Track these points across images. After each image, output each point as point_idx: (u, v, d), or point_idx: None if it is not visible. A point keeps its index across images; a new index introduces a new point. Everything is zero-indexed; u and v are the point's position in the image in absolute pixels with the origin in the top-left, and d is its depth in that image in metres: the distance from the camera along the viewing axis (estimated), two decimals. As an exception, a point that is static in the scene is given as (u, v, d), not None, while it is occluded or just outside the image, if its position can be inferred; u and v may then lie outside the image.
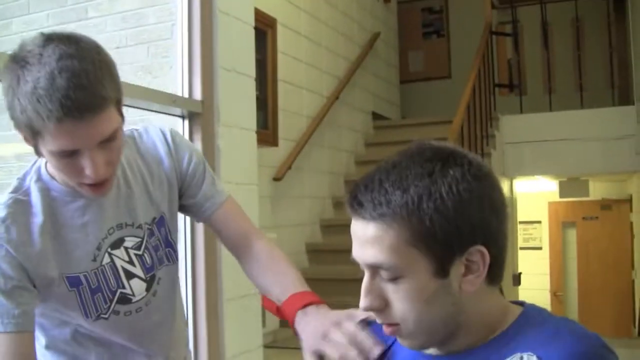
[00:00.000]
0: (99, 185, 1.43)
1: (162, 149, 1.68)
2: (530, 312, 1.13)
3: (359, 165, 7.45)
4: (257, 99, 3.36)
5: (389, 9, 9.01)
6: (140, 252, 1.62)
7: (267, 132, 5.00)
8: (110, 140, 1.38)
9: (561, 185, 9.68)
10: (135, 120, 3.69)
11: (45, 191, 1.50)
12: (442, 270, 1.06)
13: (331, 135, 6.75)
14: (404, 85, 9.35)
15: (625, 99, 8.15)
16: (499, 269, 1.11)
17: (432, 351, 1.16)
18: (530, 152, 7.86)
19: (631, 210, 9.66)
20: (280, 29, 5.54)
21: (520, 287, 8.64)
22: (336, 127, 6.90)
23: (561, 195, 9.83)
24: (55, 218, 1.50)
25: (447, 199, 1.04)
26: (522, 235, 10.45)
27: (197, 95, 2.95)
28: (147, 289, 1.64)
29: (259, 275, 1.66)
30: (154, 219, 1.65)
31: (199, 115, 2.96)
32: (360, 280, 1.12)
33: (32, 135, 1.33)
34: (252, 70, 3.27)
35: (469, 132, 6.32)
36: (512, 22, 8.56)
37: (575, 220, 10.74)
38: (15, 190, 1.50)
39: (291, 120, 5.87)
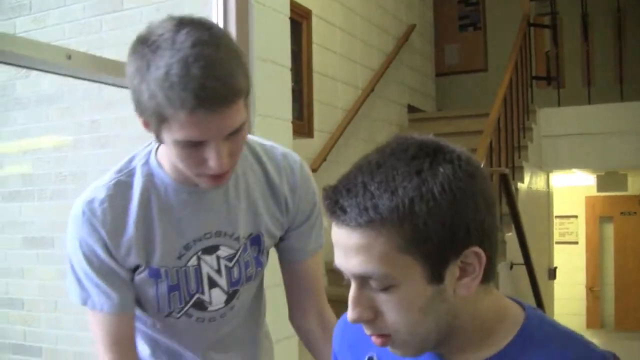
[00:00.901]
0: (219, 176, 1.37)
1: (298, 178, 1.63)
2: (531, 325, 1.07)
3: (394, 158, 7.42)
4: (292, 90, 3.36)
5: (425, 2, 8.96)
6: (231, 265, 1.58)
7: (302, 123, 5.00)
8: (236, 133, 1.32)
9: (599, 179, 9.57)
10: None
11: (149, 177, 1.48)
12: (437, 275, 0.97)
13: (366, 127, 6.73)
14: (440, 78, 9.29)
15: (665, 92, 8.02)
16: (492, 266, 1.03)
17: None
18: (567, 145, 7.78)
19: (670, 205, 9.52)
20: (315, 21, 5.54)
21: (555, 281, 8.56)
22: (371, 119, 6.88)
23: (599, 189, 9.72)
24: (151, 206, 1.48)
25: (441, 199, 0.94)
26: (558, 229, 10.34)
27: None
28: (226, 302, 1.61)
29: (322, 341, 1.69)
30: (250, 234, 1.59)
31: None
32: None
33: (158, 122, 1.28)
34: (287, 61, 3.26)
35: (505, 125, 6.27)
36: (551, 13, 8.45)
37: (613, 215, 10.61)
38: (120, 170, 1.50)
39: (326, 112, 5.86)
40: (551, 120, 7.80)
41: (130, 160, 1.51)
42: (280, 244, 1.70)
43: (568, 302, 9.97)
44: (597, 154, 7.73)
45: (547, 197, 8.52)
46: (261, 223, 1.60)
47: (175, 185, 1.48)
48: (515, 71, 6.85)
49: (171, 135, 1.28)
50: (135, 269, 1.50)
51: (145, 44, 1.27)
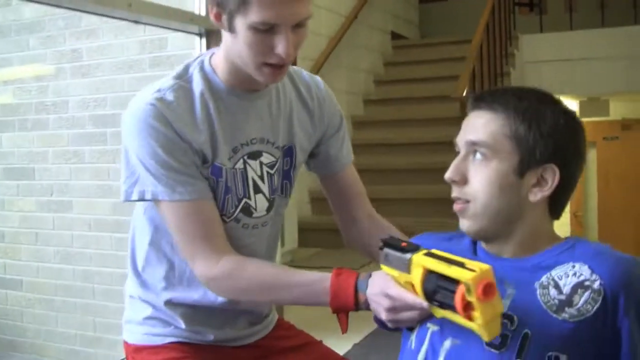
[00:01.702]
0: (280, 68, 1.47)
1: (324, 93, 1.74)
2: (575, 237, 1.33)
3: (377, 85, 7.44)
4: (274, 16, 3.35)
5: None
6: (272, 172, 1.64)
7: (285, 51, 4.99)
8: (302, 26, 1.43)
9: (581, 105, 9.61)
10: (153, 39, 3.72)
11: (206, 81, 1.54)
12: (521, 170, 1.26)
13: (349, 55, 6.72)
14: (423, 4, 9.24)
15: (647, 18, 8.03)
16: (560, 203, 1.32)
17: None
18: (550, 71, 7.79)
19: (652, 130, 9.60)
20: (297, -53, 5.46)
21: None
22: (354, 46, 6.87)
23: (581, 115, 9.62)
24: (210, 107, 1.54)
25: (549, 119, 1.26)
26: (541, 155, 10.42)
27: (215, 12, 2.95)
28: (268, 210, 1.65)
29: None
30: (284, 146, 1.66)
31: (217, 33, 2.95)
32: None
33: (238, 5, 1.37)
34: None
35: (487, 52, 6.27)
36: (534, -62, 8.39)
37: (596, 140, 10.67)
38: (179, 77, 1.54)
39: (309, 40, 5.71)
40: (534, 46, 7.80)
41: (187, 68, 1.56)
42: (317, 159, 1.77)
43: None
44: (579, 80, 7.76)
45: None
46: (295, 135, 1.67)
47: (228, 89, 1.55)
48: (498, -3, 6.84)
49: (247, 19, 1.38)
50: (201, 167, 1.54)
51: None
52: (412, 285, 1.23)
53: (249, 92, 1.57)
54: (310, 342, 1.80)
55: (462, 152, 1.31)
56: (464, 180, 1.29)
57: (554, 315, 1.21)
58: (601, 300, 1.19)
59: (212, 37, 2.98)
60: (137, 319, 1.67)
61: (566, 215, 10.67)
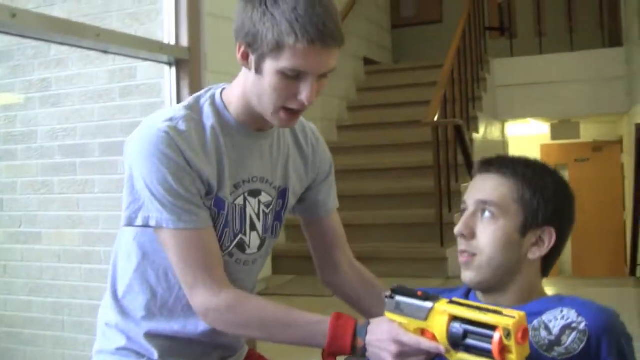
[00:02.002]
0: (296, 114, 1.52)
1: (318, 139, 1.79)
2: (561, 293, 1.48)
3: (351, 111, 7.45)
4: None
5: (379, -47, 8.91)
6: (267, 211, 1.67)
7: (256, 79, 4.98)
8: (326, 76, 1.49)
9: (553, 127, 9.70)
10: (123, 68, 3.69)
11: (217, 115, 1.56)
12: (523, 229, 1.40)
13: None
14: (396, 29, 9.29)
15: (615, 41, 8.13)
16: (551, 263, 1.47)
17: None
18: (521, 95, 7.87)
19: (622, 151, 9.69)
20: (268, -26, 5.47)
21: (512, 229, 8.70)
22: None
23: (553, 137, 9.85)
24: (220, 141, 1.55)
25: (551, 187, 1.43)
26: (514, 178, 10.48)
27: (184, 42, 2.94)
28: (259, 248, 1.68)
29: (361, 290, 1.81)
30: (280, 187, 1.69)
31: (186, 62, 2.95)
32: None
33: (271, 49, 1.41)
34: (239, 16, 3.25)
35: (459, 76, 6.31)
36: (503, -36, 8.48)
37: (567, 162, 10.77)
38: (190, 107, 1.55)
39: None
40: (505, 70, 7.88)
41: (198, 99, 1.58)
42: (304, 203, 1.80)
43: (525, 249, 10.12)
44: (550, 103, 7.84)
45: (502, 147, 8.64)
46: (290, 178, 1.70)
47: (237, 125, 1.57)
48: (469, 22, 6.88)
49: (278, 63, 1.42)
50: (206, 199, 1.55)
51: None
52: (422, 331, 1.34)
53: (256, 130, 1.60)
54: None
55: (471, 209, 1.43)
56: (472, 235, 1.42)
57: (545, 354, 1.34)
58: (586, 340, 1.32)
59: (181, 66, 2.97)
60: (110, 349, 1.65)
61: (540, 237, 10.75)
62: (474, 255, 1.41)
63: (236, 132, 1.58)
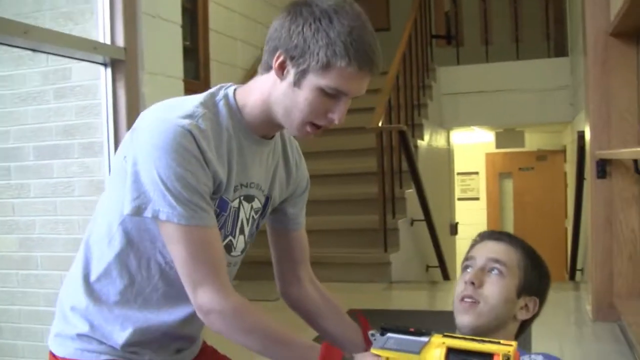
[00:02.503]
0: (320, 130, 1.56)
1: (300, 154, 1.83)
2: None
3: (296, 118, 7.41)
4: (188, 49, 3.31)
5: (327, -41, 8.89)
6: (256, 217, 1.69)
7: (198, 82, 4.92)
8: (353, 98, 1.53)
9: (497, 136, 9.81)
10: (57, 69, 3.60)
11: (232, 117, 1.57)
12: (519, 292, 1.68)
13: (267, 86, 6.66)
14: (343, 37, 9.28)
15: (560, 51, 8.24)
16: (524, 329, 1.74)
17: None
18: (466, 103, 7.93)
19: (565, 160, 9.83)
20: (212, -23, 5.42)
21: (457, 236, 8.76)
22: (272, 78, 6.81)
23: (497, 146, 9.96)
24: (232, 143, 1.56)
25: (543, 266, 1.76)
26: (459, 186, 10.57)
27: (120, 42, 2.88)
28: (242, 252, 1.70)
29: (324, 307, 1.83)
30: (267, 195, 1.71)
31: (122, 62, 2.90)
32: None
33: (318, 66, 1.44)
34: (177, 17, 3.20)
35: (404, 83, 6.32)
36: (450, -27, 8.54)
37: (512, 170, 10.91)
38: (206, 105, 1.54)
39: (225, 72, 5.78)
40: (450, 78, 7.92)
41: (213, 96, 1.58)
42: (277, 213, 1.81)
43: (470, 257, 10.22)
44: (495, 111, 7.91)
45: (447, 154, 8.69)
46: (274, 188, 1.73)
47: (246, 129, 1.59)
48: (415, 30, 6.91)
49: (321, 80, 1.45)
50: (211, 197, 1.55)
51: (317, 6, 1.46)
52: None
53: (262, 137, 1.62)
54: None
55: (481, 264, 1.69)
56: (480, 285, 1.65)
57: None
58: None
59: (117, 66, 2.91)
60: (70, 334, 1.61)
61: (485, 244, 10.85)
62: (477, 302, 1.64)
63: (244, 136, 1.59)
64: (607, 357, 3.15)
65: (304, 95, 1.48)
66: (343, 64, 1.43)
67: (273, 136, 1.65)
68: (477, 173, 11.03)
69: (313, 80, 1.46)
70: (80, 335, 1.60)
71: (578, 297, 4.81)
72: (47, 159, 3.67)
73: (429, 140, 7.28)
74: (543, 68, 7.75)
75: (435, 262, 6.53)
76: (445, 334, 1.39)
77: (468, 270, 1.71)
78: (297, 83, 1.48)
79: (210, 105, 1.55)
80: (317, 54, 1.43)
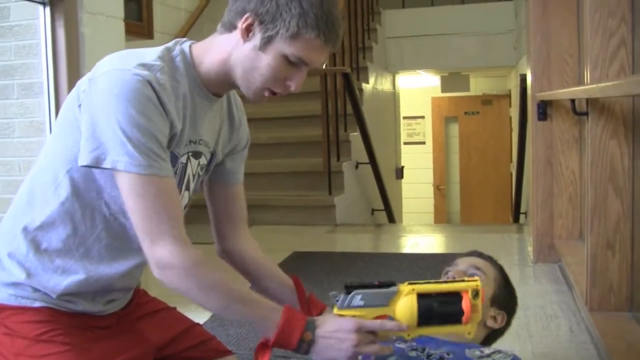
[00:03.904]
0: (275, 96, 1.58)
1: (243, 111, 1.83)
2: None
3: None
4: (129, -11, 3.26)
5: None
6: (201, 174, 1.70)
7: (141, 24, 4.85)
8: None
9: (443, 80, 9.87)
10: (-7, 7, 3.53)
11: (188, 72, 1.57)
12: (492, 302, 1.93)
13: (210, 30, 6.48)
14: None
15: (504, -5, 8.28)
16: (491, 340, 1.97)
17: None
18: (411, 46, 7.96)
19: (510, 105, 9.95)
20: None
21: (403, 180, 8.87)
22: (216, 21, 6.64)
23: (443, 90, 10.04)
24: (187, 98, 1.56)
25: (515, 294, 2.05)
26: (405, 130, 10.65)
27: (58, -21, 2.83)
28: (185, 207, 1.67)
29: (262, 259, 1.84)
30: (212, 153, 1.72)
31: (61, 1, 2.86)
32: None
33: (287, 33, 1.46)
34: (118, -45, 3.15)
35: (349, 26, 6.31)
36: None
37: (457, 115, 11.01)
38: (163, 59, 1.53)
39: (168, 14, 5.72)
40: (395, 21, 7.93)
41: (169, 50, 1.57)
42: (217, 167, 1.79)
43: (417, 201, 10.38)
44: (440, 55, 7.96)
45: (393, 98, 8.74)
46: (219, 144, 1.73)
47: (200, 86, 1.59)
48: (360, -27, 6.88)
49: (285, 48, 1.48)
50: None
51: None
52: (380, 318, 1.45)
53: (213, 94, 1.62)
54: (164, 308, 1.81)
55: (463, 268, 1.96)
56: None
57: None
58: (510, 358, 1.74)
59: (56, 5, 2.87)
60: (6, 281, 1.59)
61: (429, 188, 11.00)
62: None
63: (198, 93, 1.59)
64: (548, 297, 3.23)
65: (267, 60, 1.50)
66: (312, 35, 1.47)
67: (223, 94, 1.66)
68: (422, 117, 11.11)
69: (279, 47, 1.48)
70: (15, 283, 1.58)
71: (521, 239, 4.92)
72: (-14, 100, 3.61)
73: (374, 83, 7.31)
74: (488, 12, 7.81)
75: (381, 206, 6.60)
76: (410, 282, 1.45)
77: (449, 273, 1.95)
78: (262, 47, 1.49)
79: (167, 59, 1.53)
80: (289, 22, 1.46)
